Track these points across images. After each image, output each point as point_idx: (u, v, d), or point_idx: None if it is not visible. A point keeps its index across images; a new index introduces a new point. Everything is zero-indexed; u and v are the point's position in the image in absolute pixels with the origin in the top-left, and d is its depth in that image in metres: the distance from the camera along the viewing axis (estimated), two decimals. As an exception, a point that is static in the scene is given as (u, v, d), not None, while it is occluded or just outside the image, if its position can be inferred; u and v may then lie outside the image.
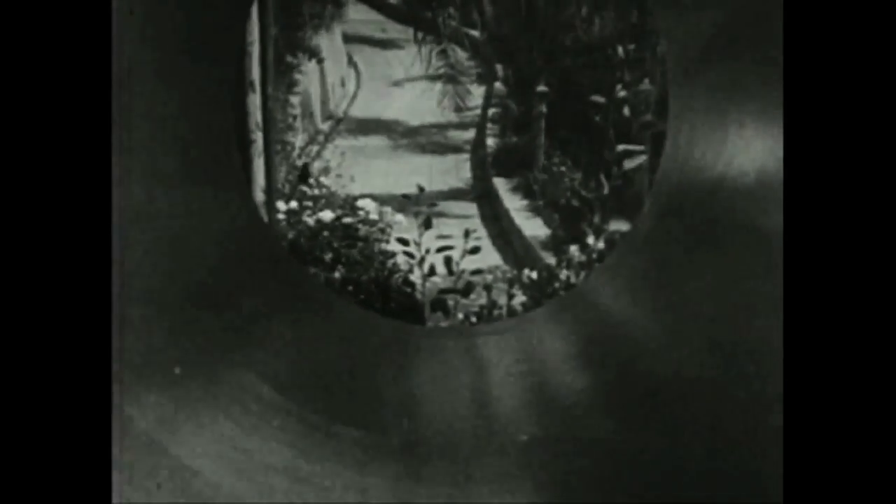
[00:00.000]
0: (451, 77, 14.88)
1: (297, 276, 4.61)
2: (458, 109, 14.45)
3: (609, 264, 5.07)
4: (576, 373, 3.56)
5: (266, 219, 6.40)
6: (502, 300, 7.88)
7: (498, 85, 18.26)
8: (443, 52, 14.66)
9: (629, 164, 10.23)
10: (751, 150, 3.38)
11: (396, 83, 20.78)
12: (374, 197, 9.90)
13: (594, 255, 7.93)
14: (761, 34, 3.01)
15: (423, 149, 17.82)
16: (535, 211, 13.43)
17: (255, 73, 6.41)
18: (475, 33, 19.33)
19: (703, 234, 3.57)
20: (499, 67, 18.21)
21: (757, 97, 3.29)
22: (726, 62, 3.59)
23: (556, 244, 10.84)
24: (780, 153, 2.97)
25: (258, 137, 6.46)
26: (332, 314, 4.14)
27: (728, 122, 3.58)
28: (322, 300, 4.40)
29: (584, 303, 4.27)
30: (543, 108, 14.40)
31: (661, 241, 3.94)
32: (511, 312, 7.45)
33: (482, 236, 11.03)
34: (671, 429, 2.92)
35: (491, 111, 17.85)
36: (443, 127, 17.87)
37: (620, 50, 11.86)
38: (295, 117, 15.29)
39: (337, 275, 7.74)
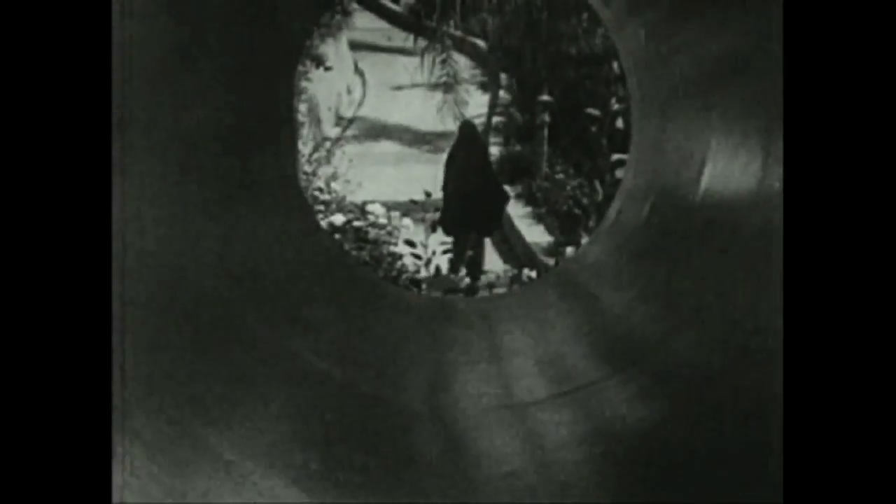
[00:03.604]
0: (450, 86, 14.89)
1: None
2: (456, 119, 14.44)
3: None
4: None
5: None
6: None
7: (502, 94, 18.38)
8: (444, 62, 14.68)
9: (621, 173, 10.56)
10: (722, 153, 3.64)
11: (402, 90, 20.89)
12: (382, 202, 10.10)
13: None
14: (757, 62, 3.17)
15: (430, 155, 17.96)
16: (538, 218, 13.48)
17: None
18: (479, 42, 19.46)
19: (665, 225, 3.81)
20: (503, 76, 18.33)
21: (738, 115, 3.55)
22: (714, 85, 3.84)
23: (556, 248, 11.05)
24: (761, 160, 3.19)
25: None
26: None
27: (697, 126, 3.85)
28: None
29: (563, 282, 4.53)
30: (546, 118, 14.44)
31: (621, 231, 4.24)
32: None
33: (485, 241, 11.24)
34: (670, 424, 3.00)
35: (495, 119, 17.99)
36: (448, 135, 18.03)
37: (616, 65, 12.13)
38: (303, 124, 15.48)
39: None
